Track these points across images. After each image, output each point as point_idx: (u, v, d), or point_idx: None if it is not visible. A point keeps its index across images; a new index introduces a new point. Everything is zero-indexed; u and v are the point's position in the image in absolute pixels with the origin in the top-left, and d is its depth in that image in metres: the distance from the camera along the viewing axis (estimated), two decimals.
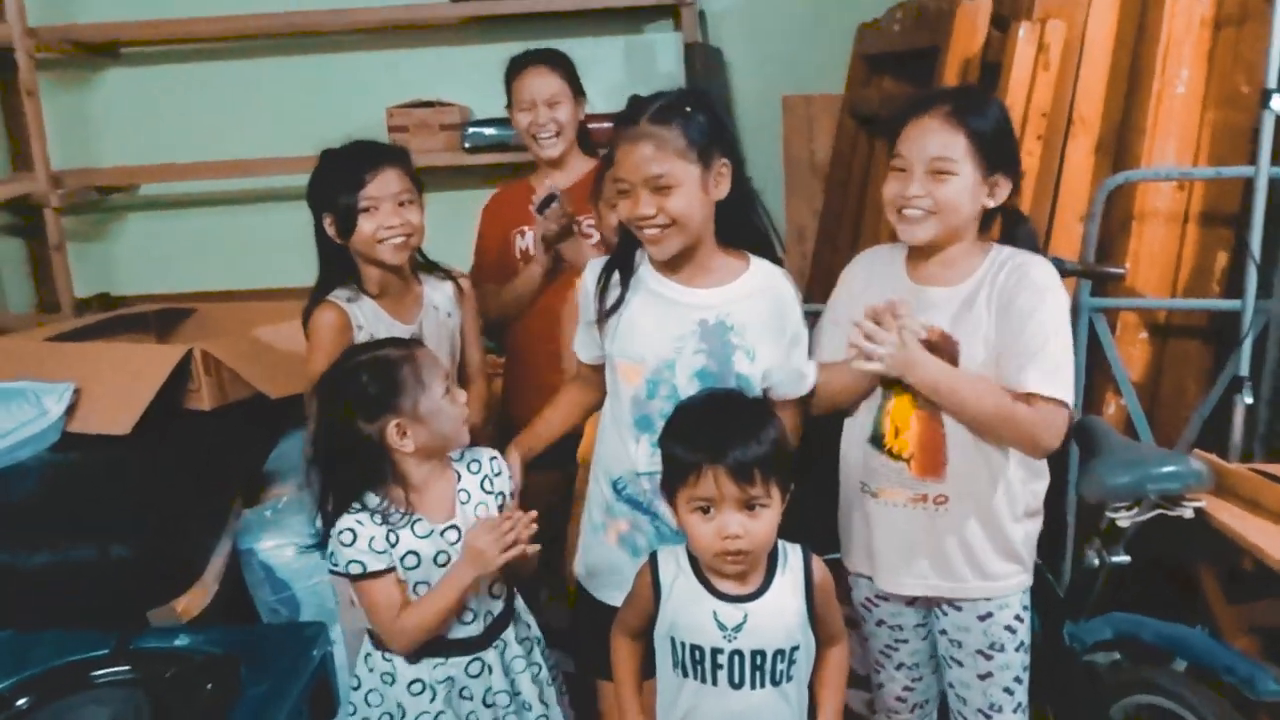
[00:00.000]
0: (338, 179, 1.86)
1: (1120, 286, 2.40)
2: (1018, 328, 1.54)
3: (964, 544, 1.63)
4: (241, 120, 3.72)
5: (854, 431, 1.71)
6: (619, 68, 3.67)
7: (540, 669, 1.69)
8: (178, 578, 1.76)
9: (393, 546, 1.55)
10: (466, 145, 3.43)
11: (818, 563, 1.51)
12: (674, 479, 1.45)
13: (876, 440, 1.65)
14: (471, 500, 1.62)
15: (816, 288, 3.40)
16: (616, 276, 1.66)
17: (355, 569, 1.53)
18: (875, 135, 3.22)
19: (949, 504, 1.62)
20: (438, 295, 1.99)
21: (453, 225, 2.39)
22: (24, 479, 1.87)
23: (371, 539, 1.54)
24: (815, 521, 1.72)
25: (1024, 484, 1.64)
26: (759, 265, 1.67)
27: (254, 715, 1.43)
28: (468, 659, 1.60)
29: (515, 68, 2.35)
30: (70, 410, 2.03)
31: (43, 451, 1.97)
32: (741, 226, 1.66)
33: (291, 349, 2.19)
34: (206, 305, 2.76)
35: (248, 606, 2.01)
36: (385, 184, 1.86)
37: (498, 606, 1.63)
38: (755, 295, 1.64)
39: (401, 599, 1.54)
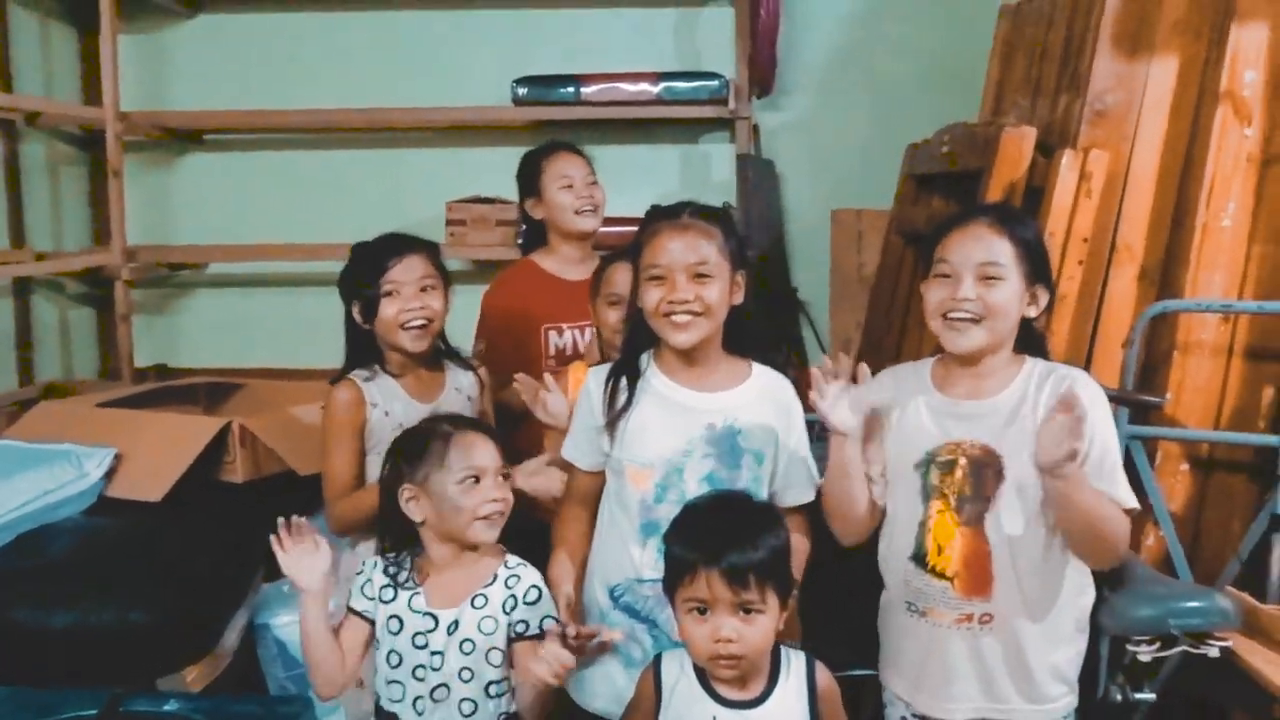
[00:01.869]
0: (364, 265, 1.94)
1: (1161, 416, 2.35)
2: (1087, 448, 1.49)
3: (1011, 664, 1.59)
4: (309, 207, 3.88)
5: (895, 548, 1.68)
6: (674, 176, 3.78)
7: None
8: (191, 647, 1.78)
9: (385, 603, 1.58)
10: (520, 241, 3.53)
11: (822, 670, 1.48)
12: (672, 578, 1.45)
13: (919, 558, 1.63)
14: (485, 608, 1.59)
15: None
16: (623, 381, 1.68)
17: (345, 596, 1.59)
18: (920, 252, 3.24)
19: (994, 623, 1.58)
20: (463, 380, 2.04)
21: None
22: (58, 539, 1.92)
23: (368, 582, 1.59)
24: (836, 634, 1.70)
25: (1074, 599, 1.61)
26: (761, 371, 1.70)
27: None
28: None
29: (545, 152, 2.43)
30: (110, 475, 2.09)
31: (79, 513, 2.02)
32: (748, 334, 1.69)
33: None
34: (255, 381, 2.84)
35: (259, 682, 2.02)
36: (408, 269, 1.93)
37: None
38: (761, 400, 1.67)
39: (351, 647, 1.57)
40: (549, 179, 2.39)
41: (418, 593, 1.58)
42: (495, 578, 1.61)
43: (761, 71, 3.51)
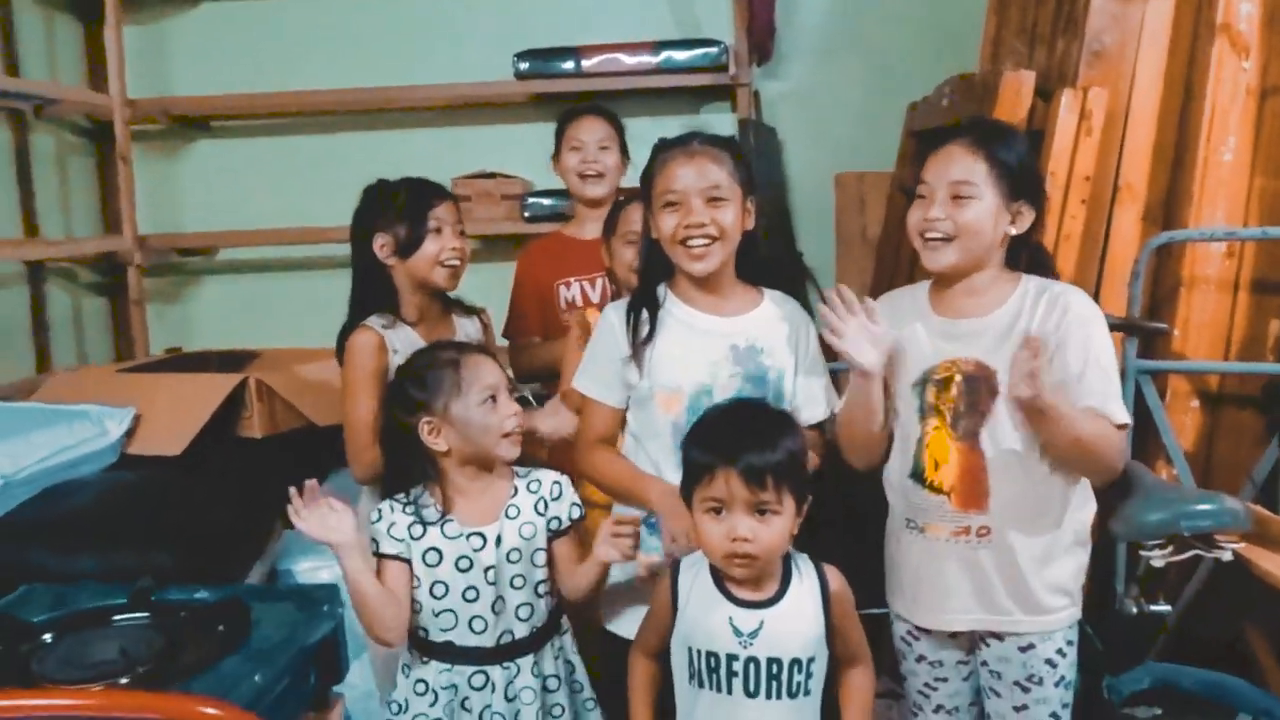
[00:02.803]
0: (406, 200, 1.94)
1: (1169, 351, 2.37)
2: (1080, 363, 1.55)
3: (1009, 576, 1.61)
4: (315, 189, 3.88)
5: (894, 468, 1.71)
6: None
7: (563, 713, 1.67)
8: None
9: (415, 540, 1.58)
10: (526, 215, 3.56)
11: (833, 573, 1.51)
12: (690, 480, 1.48)
13: (917, 475, 1.65)
14: (519, 517, 1.64)
15: None
16: (644, 312, 1.70)
17: (373, 546, 1.59)
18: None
19: (992, 536, 1.60)
20: (469, 326, 2.06)
21: None
22: (81, 491, 1.95)
23: (393, 525, 1.59)
24: (852, 577, 1.72)
25: (1073, 512, 1.62)
26: (773, 295, 1.75)
27: (260, 656, 1.48)
28: (472, 669, 1.60)
29: (572, 115, 2.47)
30: (130, 433, 2.12)
31: (101, 469, 2.05)
32: (758, 262, 1.73)
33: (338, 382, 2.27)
34: (267, 350, 2.87)
35: None
36: (449, 210, 1.97)
37: (521, 629, 1.63)
38: (778, 320, 1.71)
39: (399, 590, 1.57)
40: (565, 141, 2.45)
41: (449, 520, 1.61)
42: (516, 489, 1.66)
43: (760, 38, 3.53)
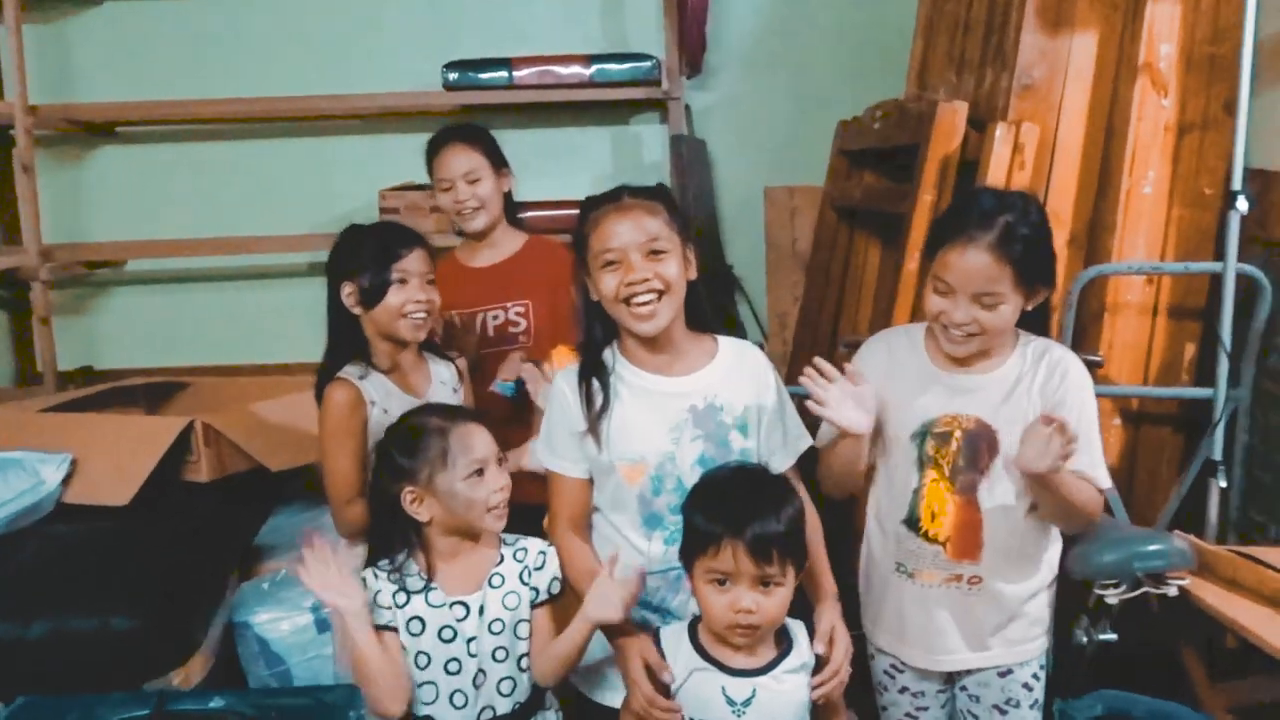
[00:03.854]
0: (372, 248, 1.90)
1: (1095, 375, 2.49)
2: (1078, 427, 1.56)
3: (995, 619, 1.69)
4: (233, 199, 3.77)
5: (887, 512, 1.75)
6: (606, 158, 3.79)
7: None
8: (177, 649, 1.75)
9: (400, 608, 1.56)
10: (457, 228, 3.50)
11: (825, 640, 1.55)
12: (693, 547, 1.48)
13: (912, 523, 1.70)
14: (504, 586, 1.61)
15: (798, 368, 3.46)
16: (595, 382, 1.65)
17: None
18: (856, 226, 3.34)
19: (983, 584, 1.68)
20: (444, 373, 2.03)
21: None
22: (21, 549, 1.86)
23: (379, 593, 1.56)
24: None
25: (1049, 552, 1.72)
26: (728, 343, 1.71)
27: None
28: None
29: (433, 147, 2.35)
30: (67, 480, 2.03)
31: (38, 521, 1.96)
32: (705, 310, 1.70)
33: (289, 422, 2.22)
34: (196, 379, 2.78)
35: (240, 681, 1.99)
36: (417, 261, 1.91)
37: (502, 705, 1.60)
38: (734, 372, 1.67)
39: (399, 661, 1.54)
40: (434, 177, 2.35)
41: (433, 588, 1.58)
42: (502, 556, 1.64)
43: (692, 52, 3.54)
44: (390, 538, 1.59)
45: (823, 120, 3.52)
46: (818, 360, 1.61)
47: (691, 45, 3.54)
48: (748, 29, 3.70)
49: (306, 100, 3.56)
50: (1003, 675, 1.71)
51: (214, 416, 2.14)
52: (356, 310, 1.91)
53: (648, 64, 3.50)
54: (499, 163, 2.38)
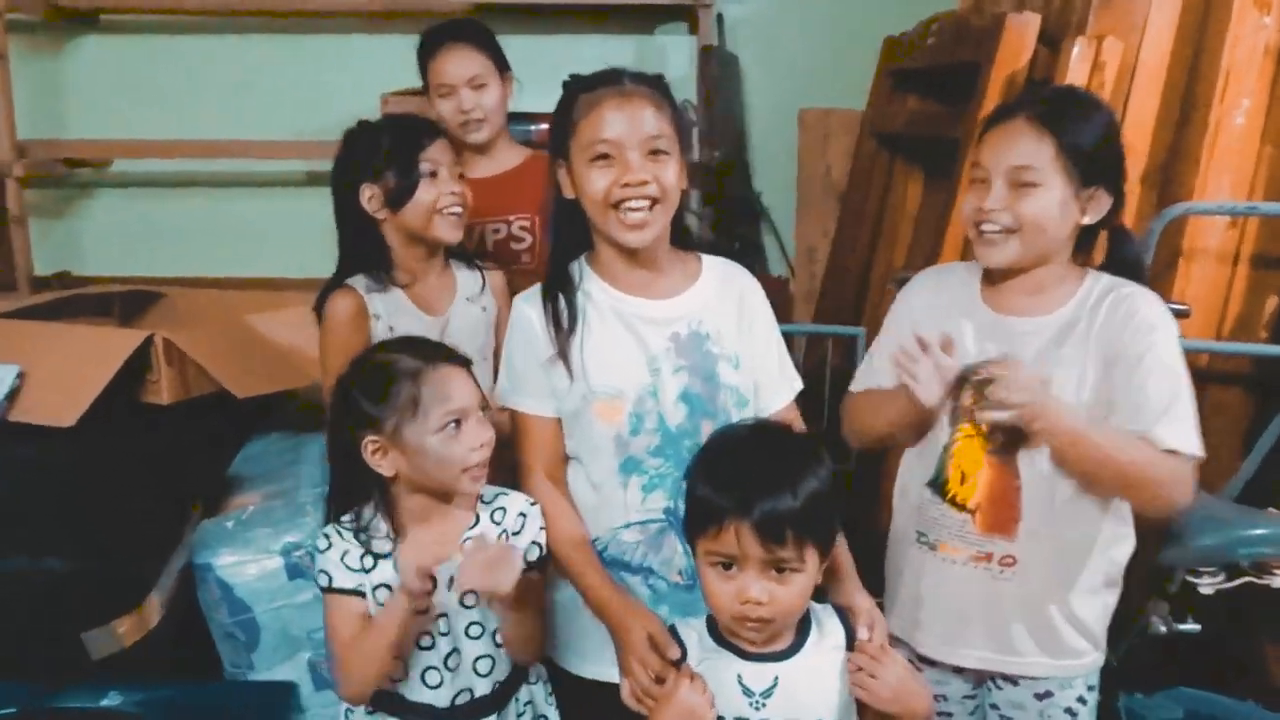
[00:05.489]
0: (393, 142, 1.67)
1: None
2: (1138, 376, 1.35)
3: (1030, 615, 1.44)
4: (225, 100, 3.51)
5: (912, 469, 1.51)
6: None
7: None
8: (121, 595, 1.54)
9: (366, 572, 1.33)
10: None
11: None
12: (694, 523, 1.24)
13: (937, 485, 1.46)
14: None
15: (826, 309, 3.23)
16: (562, 300, 1.42)
17: (323, 580, 1.33)
18: (897, 155, 3.06)
19: (1016, 567, 1.43)
20: (471, 285, 1.80)
21: None
22: None
23: (345, 553, 1.33)
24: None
25: (1107, 549, 1.45)
26: (713, 262, 1.49)
27: None
28: None
29: (429, 46, 2.07)
30: (12, 396, 1.81)
31: None
32: (690, 226, 1.51)
33: (267, 342, 1.98)
34: (177, 290, 2.54)
35: (201, 630, 1.78)
36: (443, 150, 1.71)
37: (481, 686, 1.39)
38: (722, 295, 1.46)
39: (363, 627, 1.32)
40: (430, 81, 2.07)
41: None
42: (478, 518, 1.39)
43: None
44: (350, 491, 1.35)
45: (866, 37, 3.21)
46: (920, 338, 1.35)
47: None
48: None
49: None
50: (1041, 698, 1.46)
51: (177, 332, 1.90)
52: (381, 214, 1.69)
53: None
54: (503, 66, 2.12)
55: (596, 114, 1.35)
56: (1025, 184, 1.36)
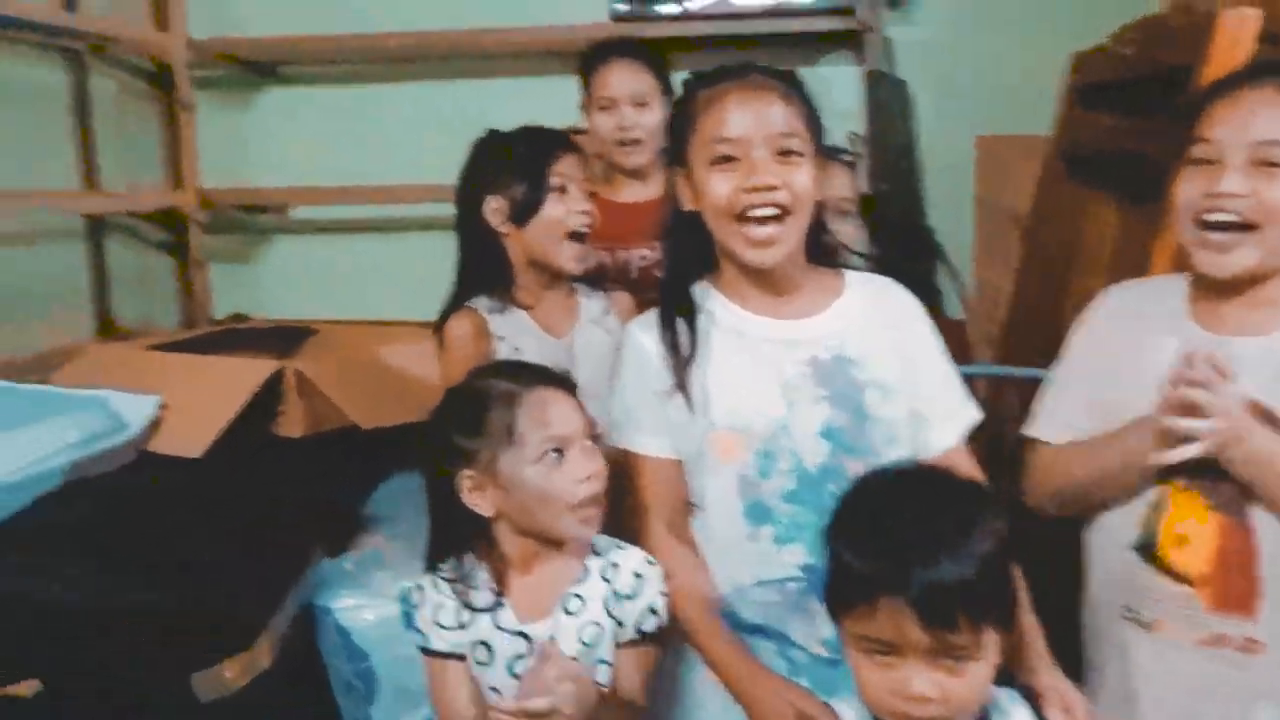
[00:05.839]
0: (522, 152, 1.61)
1: None
2: None
3: None
4: (395, 145, 3.59)
5: (1109, 530, 1.26)
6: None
7: None
8: (231, 636, 1.48)
9: (463, 628, 1.20)
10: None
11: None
12: (837, 596, 1.03)
13: (1146, 550, 1.20)
14: (582, 614, 1.21)
15: (1013, 354, 2.93)
16: (681, 323, 1.26)
17: (418, 639, 1.20)
18: (1089, 180, 2.76)
19: (1265, 654, 1.15)
20: (595, 308, 1.69)
21: None
22: (80, 501, 1.63)
23: (440, 609, 1.20)
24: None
25: None
26: (857, 278, 1.30)
27: None
28: None
29: (597, 59, 2.01)
30: (154, 426, 1.81)
31: (117, 469, 1.74)
32: (830, 240, 1.32)
33: (400, 373, 1.92)
34: (330, 326, 2.54)
35: (320, 676, 1.71)
36: (574, 165, 1.62)
37: None
38: (870, 314, 1.26)
39: (470, 697, 1.18)
40: (593, 93, 2.00)
41: (501, 605, 1.21)
42: (588, 571, 1.23)
43: None
44: (449, 536, 1.22)
45: (1050, 56, 2.92)
46: (1200, 354, 1.12)
47: None
48: None
49: (469, 35, 3.31)
50: None
51: (309, 363, 1.86)
52: (504, 229, 1.61)
53: None
54: (667, 90, 2.03)
55: (719, 110, 1.20)
56: (1274, 163, 1.11)
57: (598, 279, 1.77)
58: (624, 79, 1.98)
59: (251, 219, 3.68)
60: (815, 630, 1.23)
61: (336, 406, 1.85)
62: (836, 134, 3.02)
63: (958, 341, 3.40)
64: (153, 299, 3.52)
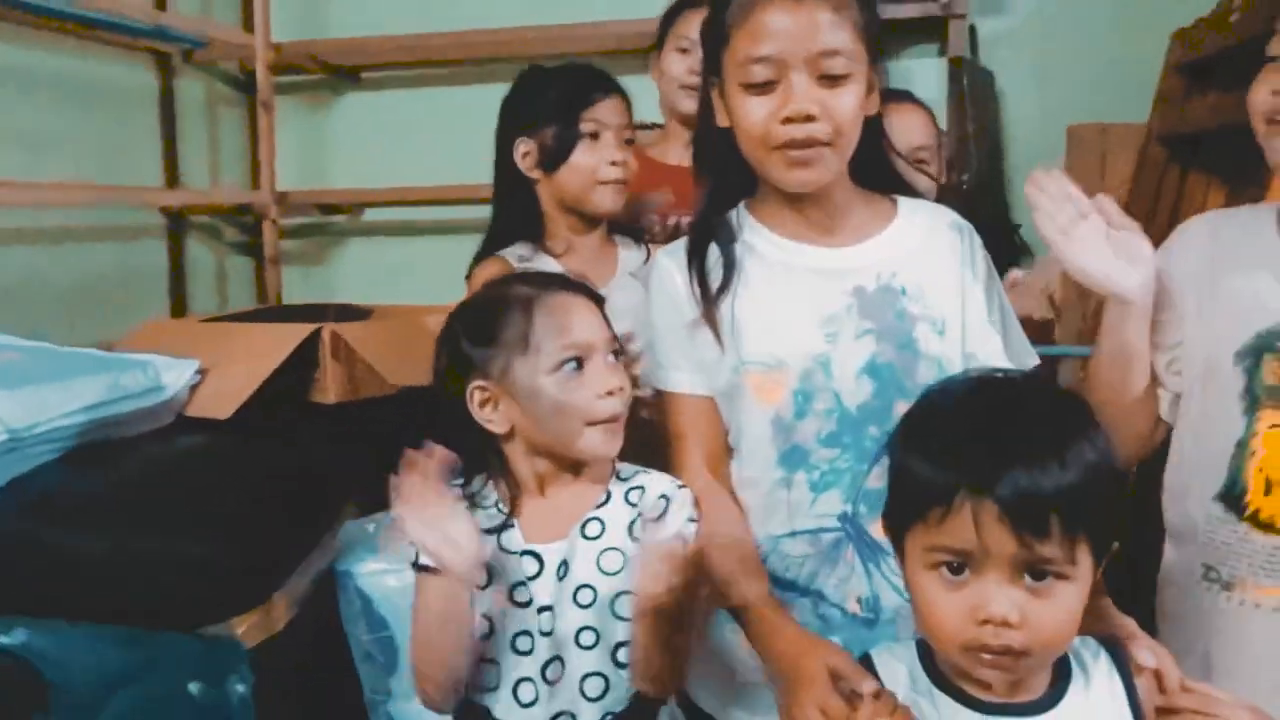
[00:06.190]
0: (556, 94, 1.54)
1: None
2: None
3: None
4: (471, 147, 3.58)
5: (1191, 480, 1.12)
6: None
7: None
8: (241, 591, 1.42)
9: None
10: None
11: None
12: (904, 508, 0.89)
13: (1231, 497, 1.07)
14: (602, 538, 1.12)
15: None
16: (714, 250, 1.16)
17: (410, 554, 1.10)
18: (1192, 165, 2.57)
19: None
20: (634, 260, 1.61)
21: None
22: (112, 457, 1.61)
23: None
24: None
25: None
26: (913, 205, 1.18)
27: None
28: None
29: (685, 5, 1.95)
30: (194, 389, 1.79)
31: (152, 431, 1.72)
32: (878, 165, 1.18)
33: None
34: (386, 306, 2.51)
35: (340, 640, 1.64)
36: (614, 111, 1.55)
37: (587, 713, 1.10)
38: (926, 244, 1.14)
39: (459, 613, 1.07)
40: (670, 38, 1.94)
41: (511, 526, 1.12)
42: (609, 496, 1.13)
43: None
44: (461, 455, 1.13)
45: (1146, 41, 2.76)
46: (1045, 174, 1.06)
47: None
48: None
49: (543, 30, 3.29)
50: None
51: (346, 327, 1.82)
52: (534, 174, 1.56)
53: None
54: None
55: (754, 22, 1.08)
56: None
57: (640, 231, 1.69)
58: None
59: (327, 221, 3.73)
60: (850, 586, 1.12)
61: (375, 372, 1.80)
62: None
63: (1045, 343, 3.21)
64: (228, 296, 3.59)
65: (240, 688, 1.31)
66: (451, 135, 3.59)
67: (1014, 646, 0.83)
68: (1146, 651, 0.92)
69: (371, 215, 3.73)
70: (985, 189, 3.00)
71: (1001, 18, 3.09)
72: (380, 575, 1.59)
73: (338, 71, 3.57)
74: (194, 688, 1.31)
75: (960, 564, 0.85)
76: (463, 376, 1.12)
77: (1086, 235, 1.05)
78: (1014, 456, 0.82)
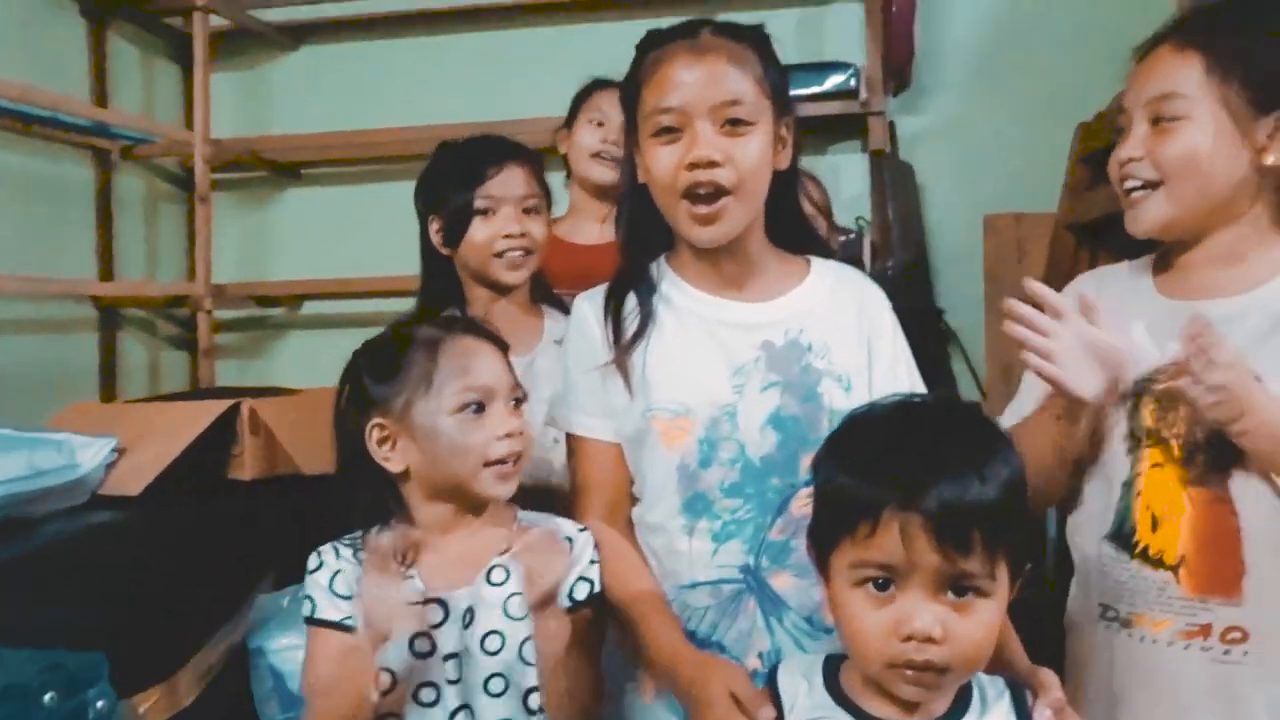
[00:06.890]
0: (452, 173, 1.58)
1: None
2: None
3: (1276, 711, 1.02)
4: (411, 240, 3.64)
5: (1085, 522, 1.16)
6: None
7: None
8: (143, 668, 1.37)
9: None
10: None
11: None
12: (831, 525, 0.91)
13: (1121, 537, 1.10)
14: (508, 584, 1.11)
15: None
16: (632, 299, 1.19)
17: (305, 608, 1.08)
18: (1100, 250, 2.68)
19: (1250, 643, 1.03)
20: (561, 328, 1.64)
21: None
22: (18, 536, 1.57)
23: (336, 575, 1.10)
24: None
25: None
26: (823, 265, 1.22)
27: None
28: None
29: (601, 85, 2.10)
30: (109, 468, 1.76)
31: (66, 509, 1.68)
32: (798, 219, 1.22)
33: None
34: (312, 390, 2.50)
35: None
36: (508, 183, 1.56)
37: None
38: (834, 303, 1.18)
39: (354, 673, 1.05)
40: (584, 111, 2.07)
41: (411, 577, 1.11)
42: (513, 545, 1.14)
43: (898, 60, 3.08)
44: (359, 499, 1.14)
45: (1055, 134, 2.91)
46: (1031, 285, 1.05)
47: (898, 53, 3.07)
48: (966, 37, 3.20)
49: (485, 127, 3.36)
50: None
51: (266, 403, 1.81)
52: (444, 250, 1.59)
53: (844, 75, 3.06)
54: None
55: (662, 75, 1.13)
56: (1166, 119, 1.08)
57: (566, 303, 1.72)
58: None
59: (265, 314, 3.72)
60: (752, 640, 1.12)
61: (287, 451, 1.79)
62: (845, 219, 3.01)
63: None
64: (159, 389, 3.55)
65: None
66: (391, 228, 3.57)
67: (935, 662, 0.85)
68: (1043, 706, 0.93)
69: (310, 308, 3.73)
70: (910, 276, 3.10)
71: (919, 116, 3.25)
72: (294, 650, 1.54)
73: (278, 168, 3.62)
74: None
75: (886, 579, 0.87)
76: (362, 413, 1.13)
77: (1063, 350, 1.06)
78: (939, 472, 0.85)
